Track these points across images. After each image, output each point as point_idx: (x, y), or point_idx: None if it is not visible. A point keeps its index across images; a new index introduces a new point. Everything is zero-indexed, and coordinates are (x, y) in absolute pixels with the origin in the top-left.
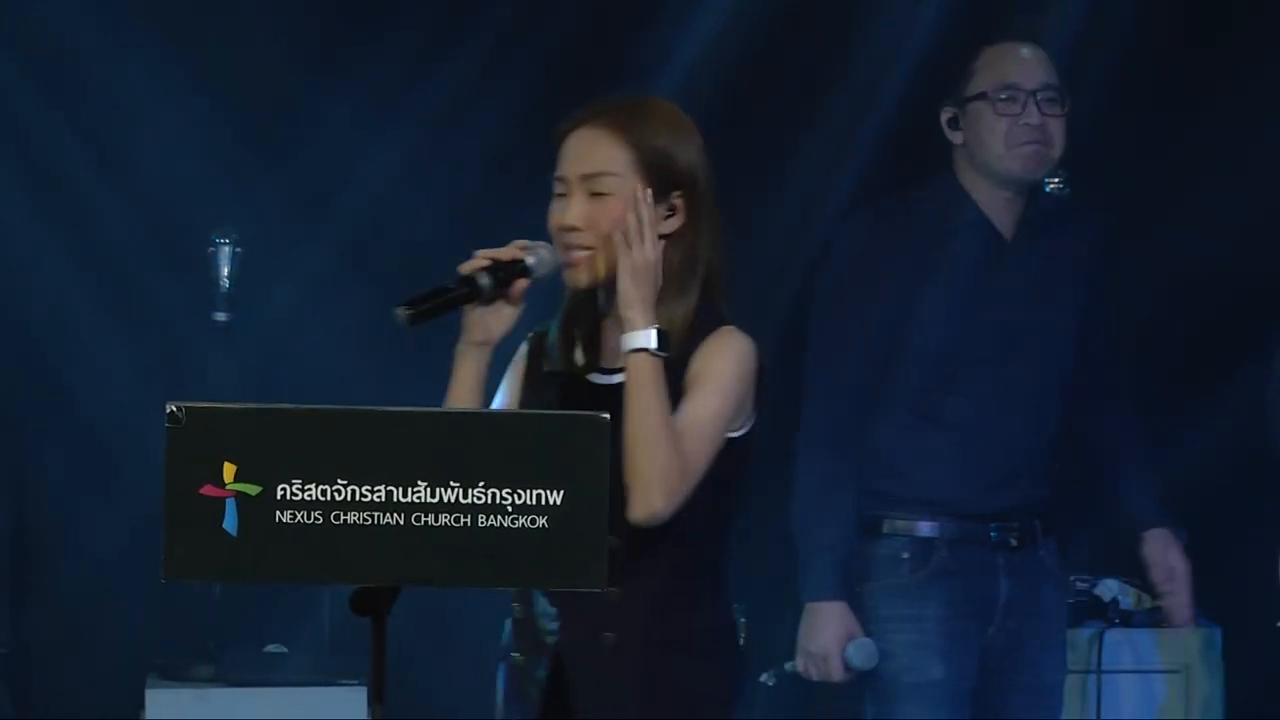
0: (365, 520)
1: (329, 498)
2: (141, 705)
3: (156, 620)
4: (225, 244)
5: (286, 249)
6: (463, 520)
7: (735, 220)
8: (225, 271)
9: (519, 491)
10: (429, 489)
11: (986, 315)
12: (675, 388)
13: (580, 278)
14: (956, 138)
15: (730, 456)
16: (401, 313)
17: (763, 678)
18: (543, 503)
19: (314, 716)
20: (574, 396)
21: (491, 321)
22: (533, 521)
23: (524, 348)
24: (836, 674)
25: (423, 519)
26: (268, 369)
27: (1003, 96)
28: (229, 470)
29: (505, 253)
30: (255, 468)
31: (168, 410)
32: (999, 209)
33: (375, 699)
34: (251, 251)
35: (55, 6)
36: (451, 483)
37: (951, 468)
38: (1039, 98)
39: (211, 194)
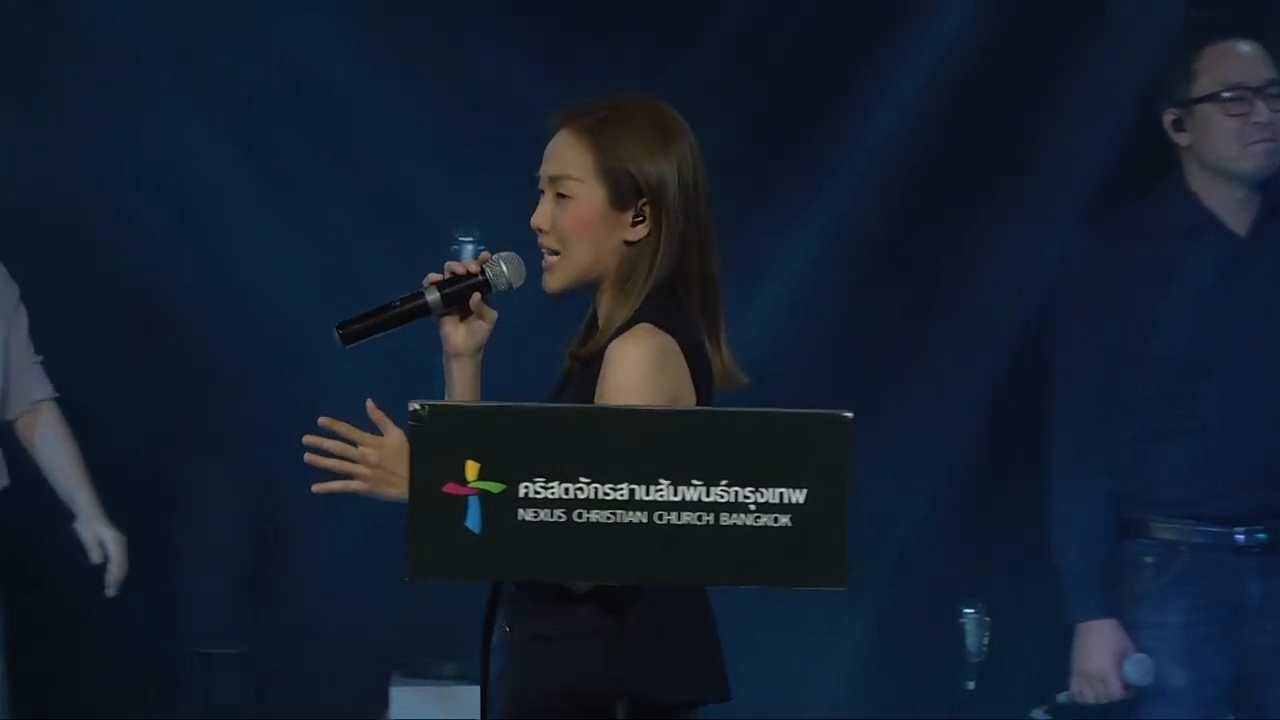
0: (607, 518)
1: (571, 496)
2: (386, 703)
3: (400, 618)
4: (468, 243)
5: (526, 249)
6: (705, 518)
7: (973, 228)
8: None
9: (761, 490)
10: (671, 487)
11: (1227, 316)
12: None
13: (548, 281)
14: (1182, 139)
15: None
16: (336, 332)
17: (1034, 714)
18: (785, 501)
19: None
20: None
21: (459, 335)
22: (775, 520)
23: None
24: (1116, 692)
25: (665, 517)
26: (510, 366)
27: (1230, 96)
28: (472, 468)
29: (463, 266)
30: (498, 466)
31: (411, 409)
32: (1232, 209)
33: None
34: (492, 249)
35: (295, 13)
36: (694, 481)
37: (1195, 472)
38: (1265, 94)
39: (454, 194)
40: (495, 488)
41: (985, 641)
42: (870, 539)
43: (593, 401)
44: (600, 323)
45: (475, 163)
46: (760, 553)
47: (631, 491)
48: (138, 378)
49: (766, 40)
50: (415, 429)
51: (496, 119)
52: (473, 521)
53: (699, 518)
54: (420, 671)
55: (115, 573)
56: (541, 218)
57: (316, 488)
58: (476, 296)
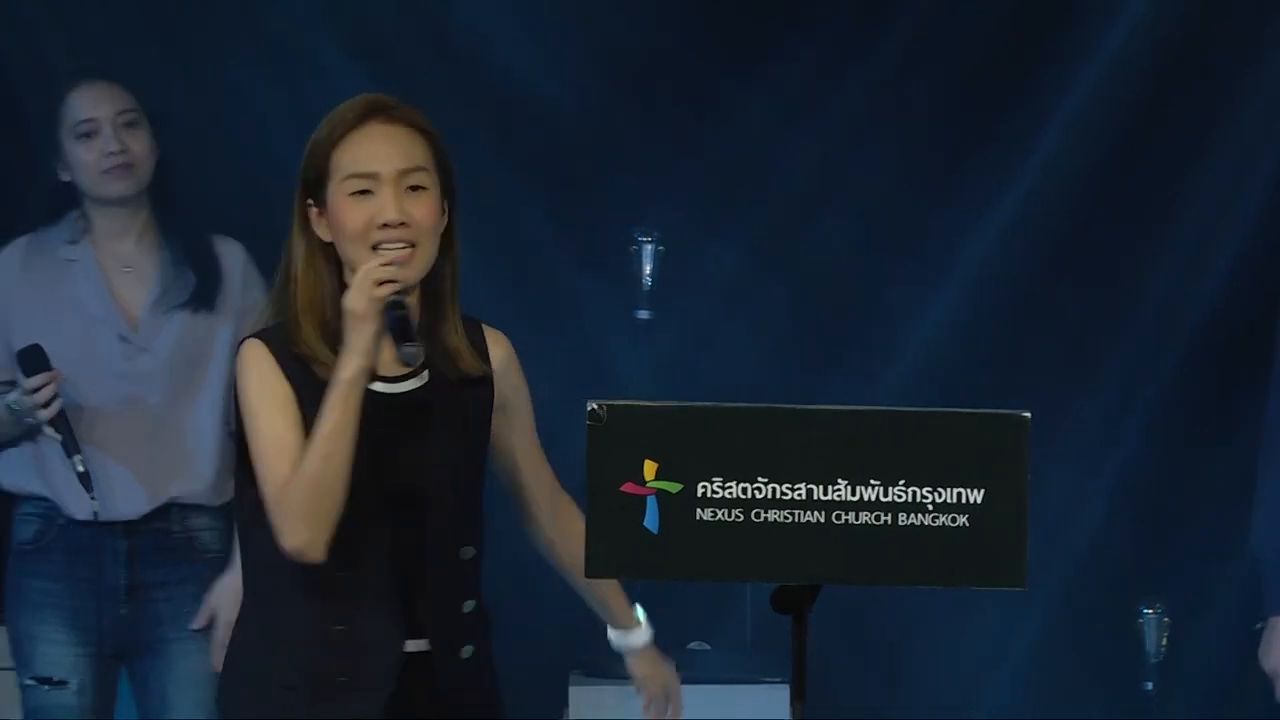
0: (785, 518)
1: (749, 496)
2: (565, 703)
3: (579, 618)
4: (648, 242)
5: (706, 247)
6: (883, 518)
7: (1155, 225)
8: (648, 269)
9: (939, 490)
10: (849, 487)
11: None
12: (484, 399)
13: (408, 274)
14: None
15: None
16: (413, 350)
17: None
18: (963, 501)
19: (736, 715)
20: (366, 408)
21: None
22: (953, 520)
23: (269, 358)
24: None
25: (843, 517)
26: (687, 367)
27: None
28: (650, 468)
29: (388, 272)
30: (676, 465)
31: (589, 408)
32: None
33: (796, 697)
34: (672, 250)
35: (467, 7)
36: (872, 481)
37: None
38: None
39: (634, 192)
40: (673, 487)
41: (1164, 642)
42: (1048, 538)
43: (493, 407)
44: (432, 323)
45: (654, 162)
46: (937, 553)
47: (809, 491)
48: None
49: (943, 37)
50: (593, 429)
51: (679, 118)
52: (651, 521)
53: (876, 517)
54: (600, 671)
55: (215, 652)
56: (395, 211)
57: None
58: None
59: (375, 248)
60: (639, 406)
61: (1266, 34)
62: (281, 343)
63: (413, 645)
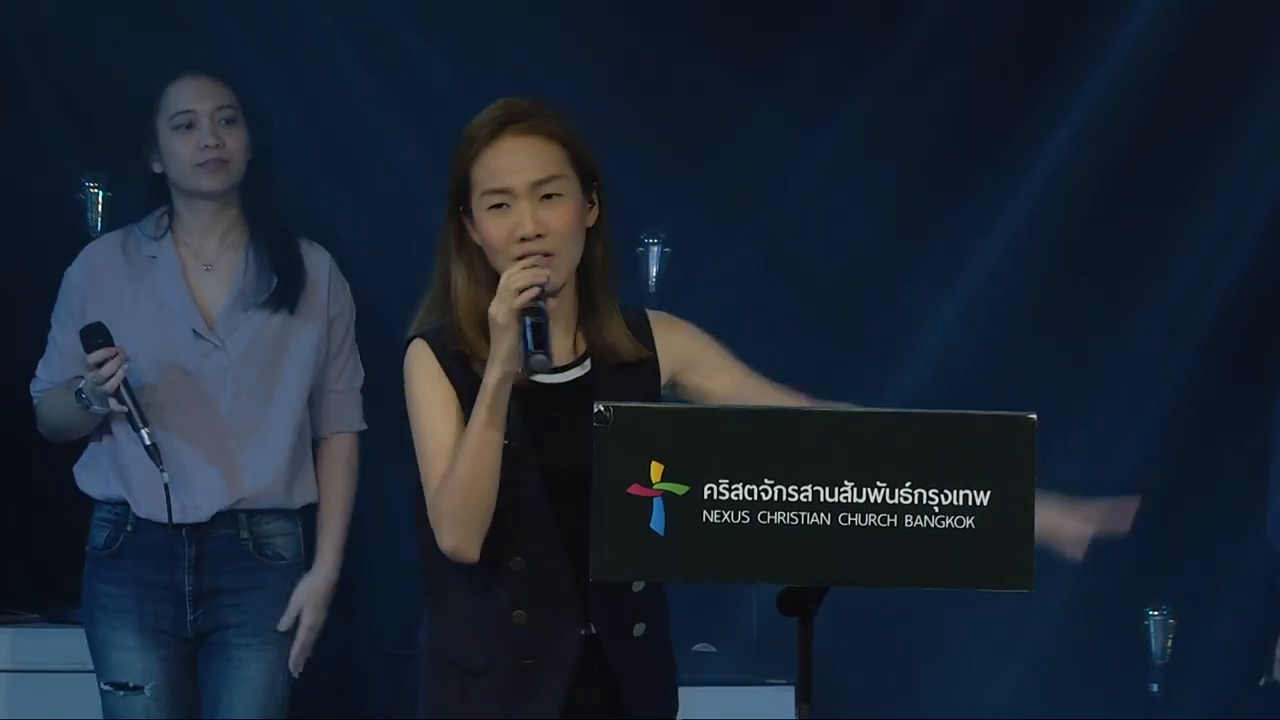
0: (792, 520)
1: (755, 497)
2: None
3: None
4: (654, 244)
5: (713, 249)
6: (889, 520)
7: (1164, 227)
8: (654, 272)
9: (946, 491)
10: (855, 488)
11: None
12: (648, 381)
13: (551, 280)
14: None
15: None
16: (543, 358)
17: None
18: (969, 503)
19: (742, 716)
20: (532, 400)
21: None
22: (959, 522)
23: (430, 354)
24: None
25: (849, 519)
26: None
27: None
28: (656, 469)
29: (528, 277)
30: (682, 467)
31: (596, 410)
32: None
33: (801, 699)
34: (679, 251)
35: (483, 9)
36: (878, 482)
37: None
38: None
39: (639, 193)
40: (679, 489)
41: (1170, 644)
42: None
43: (657, 396)
44: (587, 315)
45: (663, 164)
46: (944, 555)
47: (816, 493)
48: None
49: (953, 40)
50: (599, 430)
51: (689, 120)
52: (657, 523)
53: (883, 519)
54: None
55: (295, 655)
56: (531, 224)
57: None
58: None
59: (518, 259)
60: (645, 408)
61: (1278, 36)
62: (444, 343)
63: (589, 628)
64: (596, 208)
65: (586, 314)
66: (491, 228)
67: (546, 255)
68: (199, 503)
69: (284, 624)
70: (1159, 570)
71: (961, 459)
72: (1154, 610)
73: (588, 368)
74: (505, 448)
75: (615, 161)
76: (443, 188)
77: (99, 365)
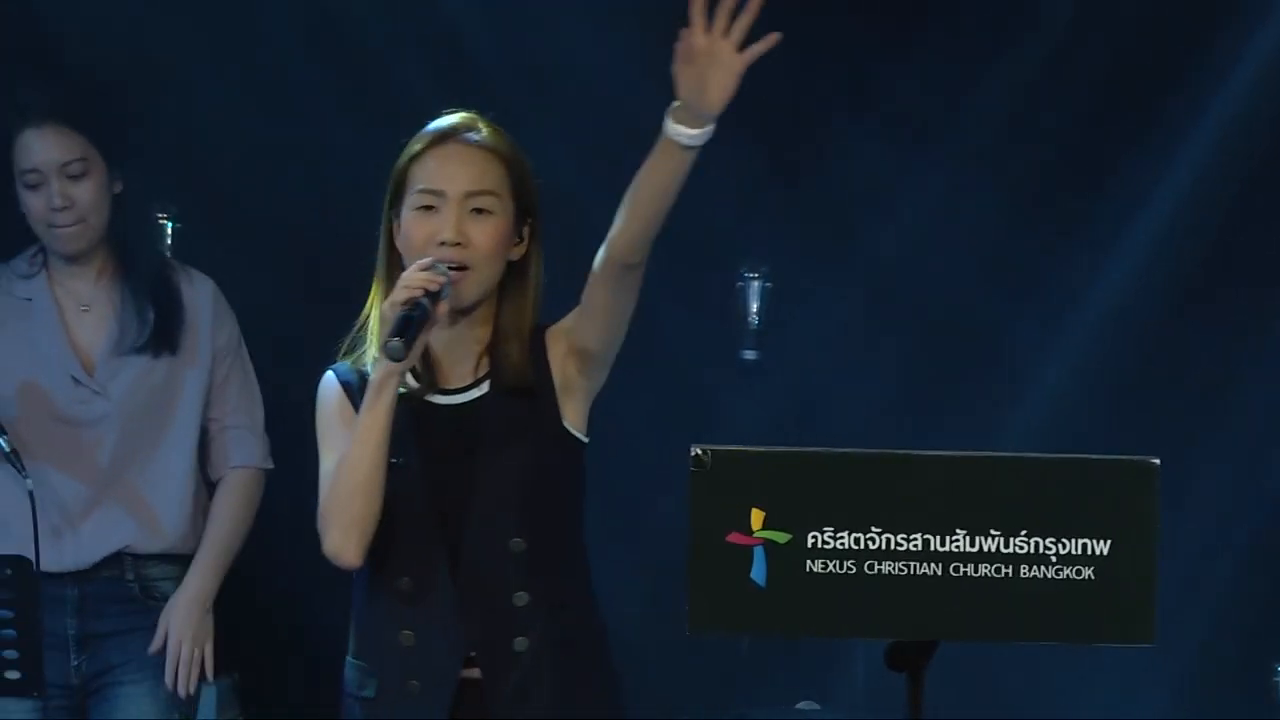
0: (900, 570)
1: (862, 546)
2: None
3: (681, 675)
4: (755, 278)
5: (816, 284)
6: (1004, 571)
7: None
8: (754, 307)
9: (1063, 541)
10: (968, 537)
11: None
12: (547, 408)
13: (462, 296)
14: None
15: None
16: (397, 344)
17: None
18: (1088, 552)
19: None
20: (425, 419)
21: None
22: (1078, 572)
23: (334, 382)
24: None
25: (961, 569)
26: (797, 409)
27: None
28: (757, 517)
29: (422, 279)
30: (785, 514)
31: (693, 453)
32: None
33: None
34: (781, 286)
35: (569, 34)
36: (992, 531)
37: None
38: None
39: (740, 226)
40: (781, 537)
41: None
42: (1179, 592)
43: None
44: (495, 341)
45: (764, 197)
46: (1061, 607)
47: (926, 542)
48: None
49: (1065, 70)
50: (697, 475)
51: (791, 153)
52: (758, 573)
53: (997, 570)
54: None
55: (173, 674)
56: (453, 231)
57: None
58: (444, 305)
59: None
60: (745, 452)
61: None
62: (348, 368)
63: (475, 649)
64: (525, 243)
65: (495, 340)
66: (414, 227)
67: (461, 269)
68: (78, 551)
69: (153, 648)
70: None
71: (1080, 506)
72: None
73: (484, 390)
74: (394, 466)
75: (716, 194)
76: None
77: None
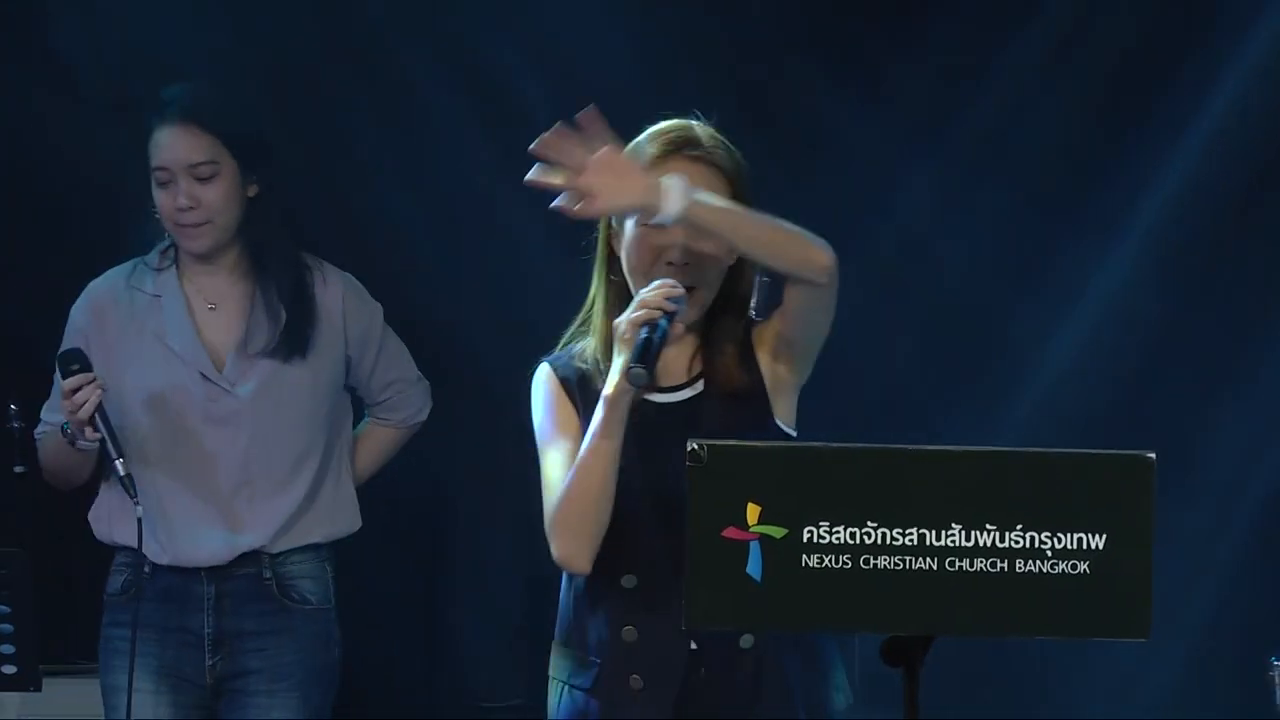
0: (896, 565)
1: (858, 541)
2: None
3: None
4: (757, 274)
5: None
6: (1000, 565)
7: None
8: (754, 300)
9: (1059, 535)
10: (964, 532)
11: None
12: (757, 411)
13: (691, 314)
14: None
15: None
16: (641, 372)
17: None
18: (1084, 547)
19: None
20: (644, 417)
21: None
22: (1073, 567)
23: (553, 379)
24: None
25: (957, 564)
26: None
27: None
28: (753, 512)
29: (659, 300)
30: (781, 509)
31: (690, 448)
32: None
33: None
34: (778, 280)
35: (581, 26)
36: (988, 525)
37: None
38: None
39: None
40: (778, 532)
41: None
42: (1177, 585)
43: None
44: (709, 339)
45: (769, 189)
46: (1058, 601)
47: (922, 536)
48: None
49: (1065, 63)
50: (694, 470)
51: (796, 145)
52: (754, 568)
53: (993, 564)
54: None
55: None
56: (681, 252)
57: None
58: (679, 326)
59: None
60: (741, 446)
61: None
62: (566, 362)
63: (696, 643)
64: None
65: (709, 338)
66: (640, 245)
67: (689, 289)
68: (211, 548)
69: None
70: None
71: (1076, 500)
72: (1279, 660)
73: (699, 389)
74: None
75: None
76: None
77: (74, 392)
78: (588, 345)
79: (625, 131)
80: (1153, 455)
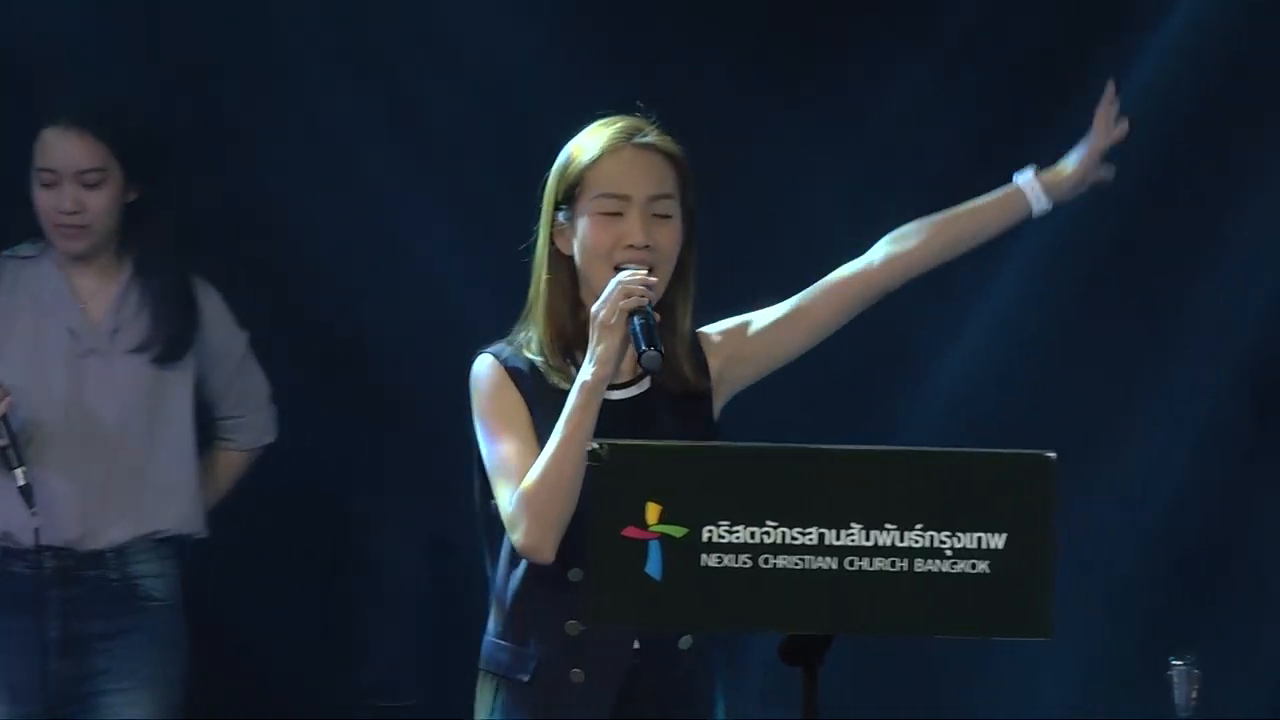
0: (796, 564)
1: (758, 540)
2: None
3: None
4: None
5: (727, 272)
6: (899, 564)
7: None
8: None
9: (959, 534)
10: (863, 531)
11: None
12: (704, 412)
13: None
14: None
15: None
16: (655, 356)
17: None
18: (984, 546)
19: None
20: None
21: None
22: (973, 566)
23: (499, 370)
24: None
25: (857, 563)
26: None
27: None
28: (653, 511)
29: (638, 285)
30: (680, 508)
31: (589, 448)
32: None
33: None
34: (701, 271)
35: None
36: (888, 525)
37: None
38: None
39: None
40: (677, 532)
41: (1195, 696)
42: (1077, 584)
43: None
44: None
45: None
46: (958, 600)
47: (821, 536)
48: (321, 416)
49: (972, 65)
50: (594, 469)
51: (708, 141)
52: (653, 567)
53: (893, 564)
54: None
55: None
56: (642, 235)
57: None
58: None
59: (617, 267)
60: (641, 445)
61: None
62: (513, 354)
63: (638, 642)
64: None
65: (661, 338)
66: (599, 232)
67: (650, 270)
68: (71, 527)
69: None
70: (1185, 618)
71: (976, 500)
72: (1179, 660)
73: (646, 387)
74: None
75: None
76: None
77: None
78: (531, 339)
79: (546, 134)
80: (1053, 455)
